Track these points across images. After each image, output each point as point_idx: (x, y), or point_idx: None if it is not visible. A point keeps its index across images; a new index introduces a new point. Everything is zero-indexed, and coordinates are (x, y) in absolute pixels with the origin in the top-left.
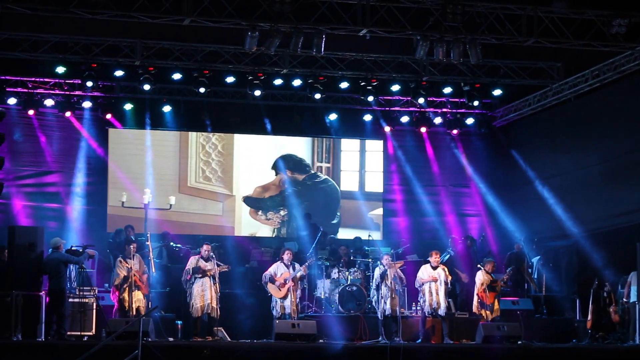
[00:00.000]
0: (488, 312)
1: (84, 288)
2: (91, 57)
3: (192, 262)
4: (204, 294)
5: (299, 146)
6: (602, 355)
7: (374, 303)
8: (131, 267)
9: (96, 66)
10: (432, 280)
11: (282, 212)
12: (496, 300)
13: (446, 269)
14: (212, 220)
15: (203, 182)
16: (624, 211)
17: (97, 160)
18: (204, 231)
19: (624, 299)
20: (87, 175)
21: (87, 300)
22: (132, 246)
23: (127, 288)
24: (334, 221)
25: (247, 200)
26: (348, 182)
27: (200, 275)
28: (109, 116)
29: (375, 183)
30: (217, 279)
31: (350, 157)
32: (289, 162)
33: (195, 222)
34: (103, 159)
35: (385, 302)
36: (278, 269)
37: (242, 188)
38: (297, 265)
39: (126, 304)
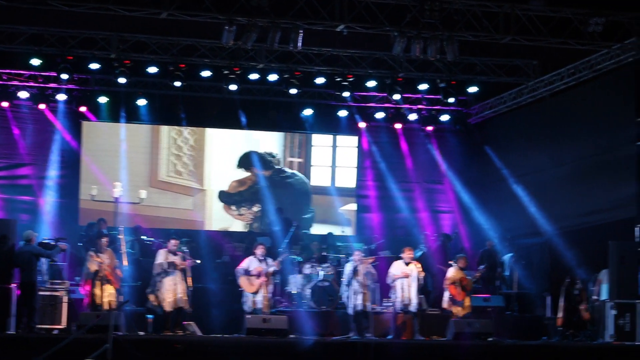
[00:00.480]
0: (459, 308)
1: (55, 281)
2: (67, 50)
3: (162, 255)
4: (175, 288)
5: (271, 141)
6: (573, 353)
7: (344, 299)
8: (102, 261)
9: (72, 59)
10: (404, 277)
11: (255, 209)
12: (467, 297)
13: (419, 265)
14: (183, 215)
15: (174, 176)
16: (597, 209)
17: (70, 153)
18: (175, 225)
19: (595, 297)
20: (60, 168)
21: (58, 294)
22: (103, 240)
23: (98, 282)
24: (307, 216)
25: (222, 194)
26: (320, 177)
27: (172, 269)
28: (83, 109)
29: (347, 178)
30: (188, 273)
31: (323, 153)
32: (256, 158)
33: (166, 216)
34: (76, 152)
35: (356, 298)
36: (251, 264)
37: (213, 182)
38: (270, 260)
39: (97, 299)
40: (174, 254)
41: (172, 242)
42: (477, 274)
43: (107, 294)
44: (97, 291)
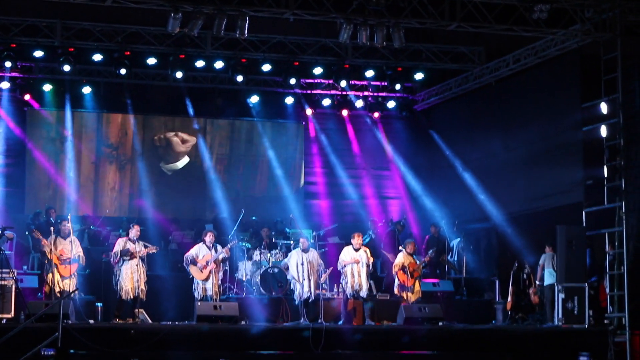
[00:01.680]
0: (409, 293)
1: (3, 270)
2: (10, 37)
3: (120, 243)
4: (133, 276)
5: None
6: (522, 336)
7: (291, 286)
8: (47, 244)
9: (15, 46)
10: (354, 262)
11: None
12: (417, 282)
13: (368, 251)
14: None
15: None
16: (544, 194)
17: (15, 141)
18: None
19: (537, 281)
20: (6, 157)
21: (5, 283)
22: (65, 224)
23: (49, 267)
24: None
25: None
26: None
27: (128, 258)
28: (27, 97)
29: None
30: (144, 261)
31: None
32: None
33: (114, 203)
34: (21, 140)
35: (303, 285)
36: (200, 251)
37: None
38: (219, 247)
39: (50, 283)
40: (134, 242)
41: (136, 229)
42: (426, 258)
43: (58, 280)
44: (50, 275)
